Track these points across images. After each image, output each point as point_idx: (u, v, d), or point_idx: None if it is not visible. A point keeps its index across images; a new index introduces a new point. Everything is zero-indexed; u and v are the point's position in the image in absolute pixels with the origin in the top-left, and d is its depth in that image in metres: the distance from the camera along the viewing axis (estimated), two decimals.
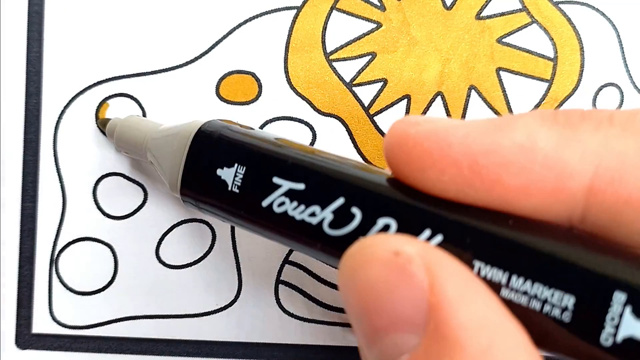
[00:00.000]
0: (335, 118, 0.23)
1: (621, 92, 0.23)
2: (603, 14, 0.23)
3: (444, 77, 0.23)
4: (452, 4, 0.23)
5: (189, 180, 0.18)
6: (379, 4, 0.23)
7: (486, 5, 0.23)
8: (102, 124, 0.22)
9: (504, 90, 0.23)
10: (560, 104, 0.23)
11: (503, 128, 0.12)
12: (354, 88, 0.23)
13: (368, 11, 0.23)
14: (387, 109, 0.23)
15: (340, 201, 0.14)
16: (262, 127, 0.23)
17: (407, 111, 0.23)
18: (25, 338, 0.23)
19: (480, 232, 0.12)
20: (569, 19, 0.23)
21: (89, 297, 0.23)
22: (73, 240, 0.23)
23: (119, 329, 0.23)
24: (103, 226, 0.23)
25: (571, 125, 0.12)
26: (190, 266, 0.23)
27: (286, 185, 0.15)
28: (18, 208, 0.23)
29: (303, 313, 0.23)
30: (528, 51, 0.23)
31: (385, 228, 0.13)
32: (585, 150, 0.12)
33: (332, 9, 0.23)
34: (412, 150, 0.13)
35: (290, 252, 0.23)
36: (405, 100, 0.23)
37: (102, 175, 0.23)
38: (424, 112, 0.23)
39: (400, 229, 0.13)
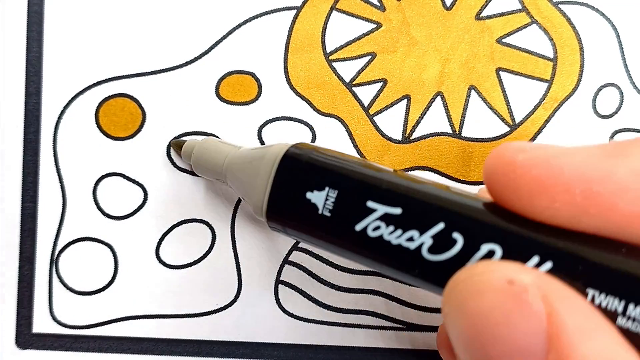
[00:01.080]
0: (335, 118, 0.23)
1: (621, 92, 0.23)
2: (603, 14, 0.23)
3: (444, 77, 0.23)
4: (452, 4, 0.23)
5: (275, 204, 0.17)
6: (378, 4, 0.23)
7: (486, 6, 0.23)
8: (176, 146, 0.22)
9: (503, 91, 0.23)
10: (560, 104, 0.23)
11: (617, 154, 0.12)
12: (353, 88, 0.23)
13: (368, 11, 0.23)
14: (387, 109, 0.23)
15: (440, 226, 0.14)
16: (262, 127, 0.23)
17: (407, 111, 0.23)
18: (26, 338, 0.23)
19: (592, 260, 0.12)
20: (568, 19, 0.23)
21: (89, 297, 0.23)
22: (73, 240, 0.23)
23: (119, 328, 0.23)
24: (103, 226, 0.23)
25: None
26: (191, 266, 0.23)
27: (381, 209, 0.15)
28: (18, 208, 0.23)
29: (303, 313, 0.23)
30: (528, 51, 0.23)
31: (490, 254, 0.13)
32: None
33: (332, 9, 0.23)
34: (519, 177, 0.13)
35: (290, 252, 0.23)
36: (405, 100, 0.23)
37: (102, 176, 0.23)
38: (424, 113, 0.23)
39: (506, 256, 0.13)
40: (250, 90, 0.23)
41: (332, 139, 0.23)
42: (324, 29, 0.23)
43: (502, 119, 0.23)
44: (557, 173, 0.12)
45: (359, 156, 0.23)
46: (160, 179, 0.23)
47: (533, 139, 0.23)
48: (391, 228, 0.15)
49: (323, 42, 0.23)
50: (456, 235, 0.14)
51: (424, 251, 0.14)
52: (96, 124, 0.23)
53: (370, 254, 0.16)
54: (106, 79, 0.23)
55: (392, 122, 0.23)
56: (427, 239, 0.14)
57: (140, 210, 0.23)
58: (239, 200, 0.23)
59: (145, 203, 0.23)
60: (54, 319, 0.23)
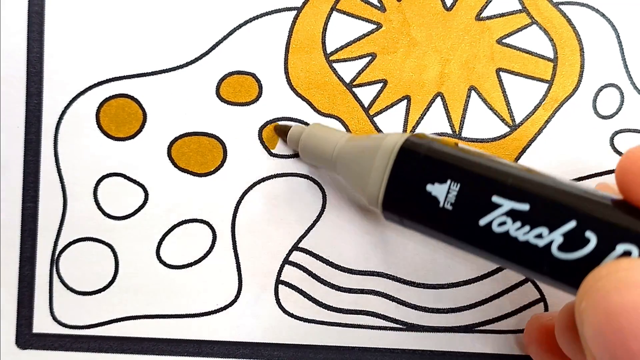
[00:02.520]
0: (335, 119, 0.23)
1: (621, 93, 0.23)
2: (603, 15, 0.23)
3: (444, 77, 0.23)
4: (452, 5, 0.23)
5: (392, 195, 0.17)
6: (379, 5, 0.23)
7: (486, 6, 0.23)
8: (281, 131, 0.22)
9: (504, 91, 0.23)
10: (561, 105, 0.23)
11: None
12: (354, 89, 0.23)
13: (368, 12, 0.23)
14: (387, 110, 0.23)
15: (571, 224, 0.14)
16: (262, 127, 0.23)
17: (407, 112, 0.23)
18: (26, 338, 0.23)
19: None
20: (568, 20, 0.23)
21: (89, 297, 0.23)
22: (74, 241, 0.23)
23: (120, 328, 0.23)
24: (104, 226, 0.23)
25: None
26: (191, 266, 0.23)
27: (508, 204, 0.15)
28: (19, 208, 0.23)
29: (303, 313, 0.23)
30: (528, 52, 0.23)
31: (626, 255, 0.13)
32: None
33: (332, 9, 0.23)
34: None
35: (290, 252, 0.23)
36: (405, 100, 0.23)
37: (103, 176, 0.23)
38: (424, 113, 0.23)
39: None
40: (250, 91, 0.23)
41: None
42: (325, 29, 0.23)
43: (502, 120, 0.23)
44: None
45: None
46: (161, 179, 0.23)
47: (533, 139, 0.23)
48: (518, 224, 0.14)
49: (323, 43, 0.23)
50: (589, 234, 0.13)
51: (554, 249, 0.14)
52: (97, 124, 0.23)
53: (494, 250, 0.15)
54: (107, 80, 0.23)
55: (392, 123, 0.23)
56: (557, 237, 0.14)
57: (141, 210, 0.23)
58: (240, 201, 0.23)
59: (146, 203, 0.23)
60: (54, 319, 0.23)
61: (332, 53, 0.23)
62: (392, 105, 0.23)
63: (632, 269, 0.12)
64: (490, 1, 0.23)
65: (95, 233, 0.23)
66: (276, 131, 0.22)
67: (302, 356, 0.23)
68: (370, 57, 0.23)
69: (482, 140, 0.23)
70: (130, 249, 0.23)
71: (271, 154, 0.23)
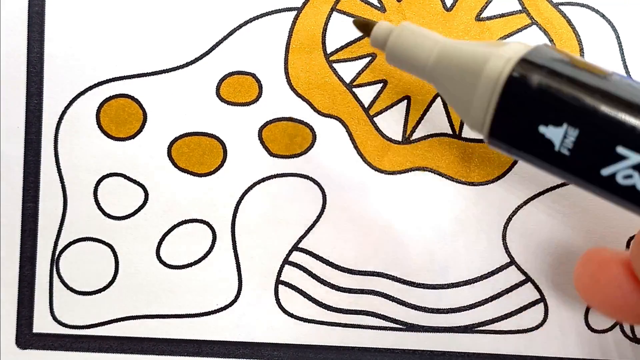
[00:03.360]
0: (335, 119, 0.23)
1: None
2: (603, 15, 0.23)
3: None
4: (452, 5, 0.23)
5: (500, 129, 0.15)
6: (379, 5, 0.23)
7: (486, 7, 0.23)
8: (362, 26, 0.20)
9: None
10: None
11: None
12: (354, 89, 0.23)
13: (368, 12, 0.23)
14: (387, 110, 0.23)
15: None
16: (262, 127, 0.23)
17: (407, 112, 0.23)
18: (26, 338, 0.23)
19: None
20: (568, 20, 0.23)
21: (89, 296, 0.23)
22: (74, 240, 0.23)
23: (120, 328, 0.23)
24: (104, 226, 0.23)
25: None
26: (191, 266, 0.23)
27: (636, 158, 0.13)
28: (19, 208, 0.23)
29: (303, 313, 0.23)
30: None
31: None
32: None
33: (332, 10, 0.23)
34: None
35: (290, 252, 0.23)
36: (405, 101, 0.23)
37: (103, 176, 0.23)
38: (424, 113, 0.23)
39: None
40: (250, 91, 0.23)
41: (333, 140, 0.23)
42: (325, 29, 0.23)
43: None
44: None
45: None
46: (161, 179, 0.23)
47: None
48: None
49: (323, 43, 0.23)
50: None
51: None
52: (97, 124, 0.23)
53: (618, 201, 0.14)
54: (107, 80, 0.23)
55: (392, 123, 0.23)
56: None
57: (141, 210, 0.23)
58: (240, 201, 0.23)
59: (146, 203, 0.23)
60: (55, 318, 0.23)
61: (332, 53, 0.23)
62: (392, 105, 0.23)
63: None
64: (490, 2, 0.23)
65: (96, 233, 0.23)
66: (356, 25, 0.20)
67: (302, 356, 0.23)
68: (370, 58, 0.23)
69: (482, 141, 0.23)
70: (131, 249, 0.23)
71: (271, 154, 0.23)
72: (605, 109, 0.14)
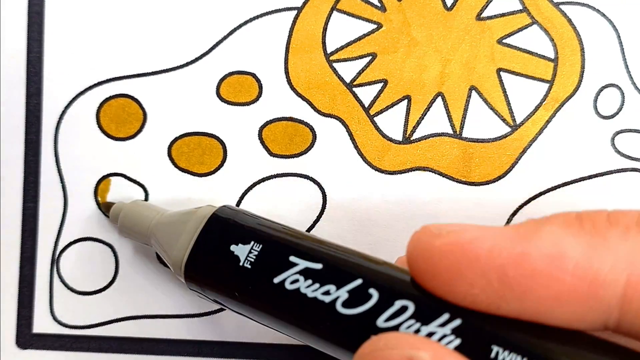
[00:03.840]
0: (336, 119, 0.23)
1: (622, 93, 0.23)
2: (603, 15, 0.22)
3: (445, 77, 0.23)
4: (453, 5, 0.23)
5: (197, 256, 0.18)
6: (379, 5, 0.23)
7: (486, 6, 0.23)
8: (105, 208, 0.23)
9: (504, 91, 0.23)
10: (561, 105, 0.23)
11: (529, 237, 0.12)
12: (354, 89, 0.23)
13: (368, 12, 0.23)
14: (387, 110, 0.23)
15: (357, 282, 0.15)
16: (262, 127, 0.23)
17: (408, 112, 0.23)
18: (26, 338, 0.23)
19: (499, 321, 0.13)
20: (569, 20, 0.23)
21: (89, 296, 0.23)
22: (74, 240, 0.23)
23: (120, 328, 0.23)
24: (104, 226, 0.23)
25: (598, 232, 0.12)
26: None
27: (303, 264, 0.16)
28: (19, 208, 0.23)
29: None
30: (528, 52, 0.23)
31: (402, 310, 0.14)
32: (617, 259, 0.12)
33: (332, 9, 0.23)
34: (438, 263, 0.13)
35: None
36: (406, 100, 0.23)
37: (103, 176, 0.23)
38: (425, 113, 0.23)
39: (418, 312, 0.14)
40: (250, 91, 0.23)
41: (333, 140, 0.23)
42: (325, 29, 0.23)
43: (503, 120, 0.23)
44: (473, 259, 0.12)
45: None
46: (161, 179, 0.23)
47: (534, 139, 0.23)
48: (309, 282, 0.15)
49: (324, 43, 0.23)
50: (372, 291, 0.14)
51: (338, 304, 0.15)
52: (97, 124, 0.23)
53: (283, 306, 0.16)
54: (107, 80, 0.23)
55: (392, 123, 0.23)
56: (343, 293, 0.15)
57: None
58: (240, 201, 0.23)
59: None
60: (55, 319, 0.23)
61: (333, 53, 0.23)
62: (392, 105, 0.23)
63: (388, 349, 0.12)
64: (491, 1, 0.23)
65: (96, 233, 0.23)
66: (101, 209, 0.23)
67: (302, 356, 0.23)
68: (370, 57, 0.23)
69: (482, 141, 0.23)
70: (131, 249, 0.23)
71: (271, 154, 0.23)
72: (283, 229, 0.18)
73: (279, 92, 0.23)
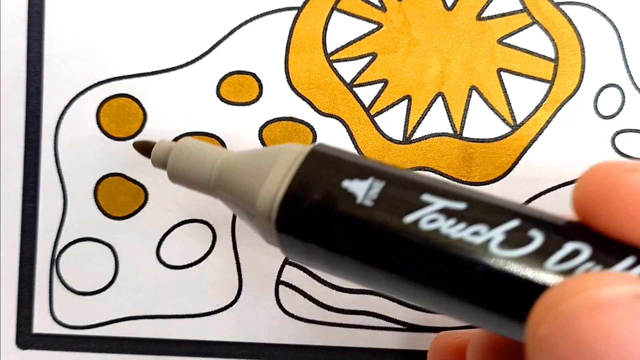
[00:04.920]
0: (336, 119, 0.23)
1: (622, 93, 0.23)
2: (604, 15, 0.22)
3: (445, 77, 0.23)
4: (453, 5, 0.23)
5: (296, 196, 0.14)
6: (379, 5, 0.23)
7: (487, 6, 0.23)
8: (142, 148, 0.19)
9: (505, 91, 0.23)
10: (562, 105, 0.23)
11: None
12: (354, 88, 0.23)
13: (369, 12, 0.23)
14: (387, 110, 0.23)
15: (514, 222, 0.12)
16: (262, 127, 0.23)
17: (408, 112, 0.23)
18: (26, 338, 0.23)
19: None
20: (569, 20, 0.23)
21: (89, 297, 0.23)
22: (74, 241, 0.23)
23: (120, 329, 0.23)
24: (104, 226, 0.23)
25: None
26: (191, 266, 0.23)
27: (441, 202, 0.13)
28: (19, 208, 0.23)
29: (303, 314, 0.23)
30: (529, 52, 0.23)
31: (575, 253, 0.12)
32: None
33: (332, 9, 0.23)
34: (633, 202, 0.11)
35: None
36: (406, 100, 0.23)
37: (103, 176, 0.23)
38: (425, 113, 0.23)
39: (595, 255, 0.11)
40: (251, 91, 0.23)
41: (333, 140, 0.23)
42: (325, 29, 0.23)
43: (503, 120, 0.23)
44: None
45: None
46: (161, 179, 0.23)
47: (534, 139, 0.23)
48: (452, 221, 0.12)
49: (324, 43, 0.23)
50: (534, 233, 0.12)
51: (493, 246, 0.12)
52: (97, 124, 0.23)
53: (417, 251, 0.13)
54: (107, 79, 0.23)
55: (393, 123, 0.23)
56: (497, 234, 0.12)
57: (141, 210, 0.23)
58: None
59: (146, 203, 0.23)
60: (54, 319, 0.23)
61: (333, 53, 0.23)
62: (392, 105, 0.23)
63: (602, 285, 0.10)
64: (491, 1, 0.23)
65: (95, 233, 0.23)
66: (136, 148, 0.19)
67: (303, 357, 0.23)
68: (370, 57, 0.23)
69: (483, 140, 0.23)
70: (130, 249, 0.23)
71: None
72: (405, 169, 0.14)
73: (279, 92, 0.23)
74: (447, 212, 0.13)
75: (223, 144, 0.23)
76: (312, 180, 0.14)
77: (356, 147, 0.23)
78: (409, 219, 0.13)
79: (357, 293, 0.23)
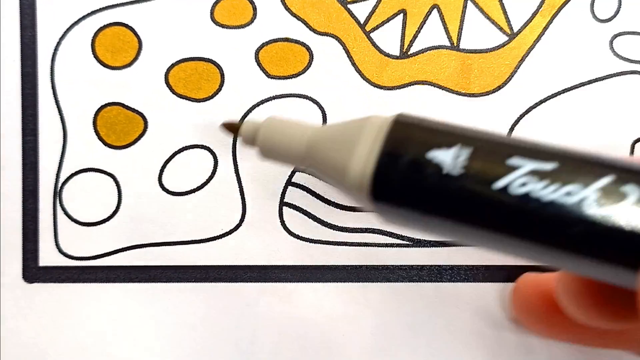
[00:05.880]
0: (332, 37, 0.23)
1: None
2: None
3: None
4: None
5: (386, 167, 0.14)
6: None
7: None
8: (231, 128, 0.19)
9: (500, 0, 0.22)
10: (558, 11, 0.22)
11: None
12: (348, 5, 0.23)
13: None
14: (383, 25, 0.23)
15: (608, 179, 0.12)
16: (258, 49, 0.23)
17: (404, 26, 0.23)
18: (33, 272, 0.23)
19: None
20: None
21: (94, 227, 0.23)
22: (76, 172, 0.23)
23: (126, 258, 0.23)
24: (105, 156, 0.23)
25: None
26: (194, 192, 0.23)
27: (530, 165, 0.13)
28: (19, 142, 0.23)
29: (308, 234, 0.23)
30: None
31: None
32: None
33: None
34: None
35: (293, 173, 0.23)
36: (401, 15, 0.23)
37: (101, 106, 0.23)
38: (421, 26, 0.23)
39: None
40: (245, 13, 0.23)
41: (330, 59, 0.23)
42: None
43: (500, 29, 0.22)
44: None
45: None
46: (160, 106, 0.23)
47: (532, 47, 0.22)
48: (543, 183, 0.13)
49: None
50: (628, 188, 0.12)
51: (587, 205, 0.12)
52: (93, 54, 0.23)
53: (509, 216, 0.13)
54: (100, 8, 0.23)
55: (389, 38, 0.23)
56: (590, 193, 0.12)
57: (141, 138, 0.23)
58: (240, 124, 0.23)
59: (146, 131, 0.23)
60: (60, 251, 0.23)
61: None
62: (388, 20, 0.23)
63: None
64: None
65: (97, 163, 0.23)
66: (224, 129, 0.20)
67: (310, 277, 0.23)
68: None
69: (480, 51, 0.23)
70: (133, 178, 0.23)
71: (269, 76, 0.23)
72: (491, 131, 0.14)
73: (274, 13, 0.23)
74: (537, 174, 0.13)
75: (220, 68, 0.23)
76: (398, 153, 0.14)
77: (353, 64, 0.23)
78: (499, 185, 0.13)
79: (362, 210, 0.23)
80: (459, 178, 0.13)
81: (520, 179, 0.13)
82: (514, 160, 0.13)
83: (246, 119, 0.19)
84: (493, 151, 0.13)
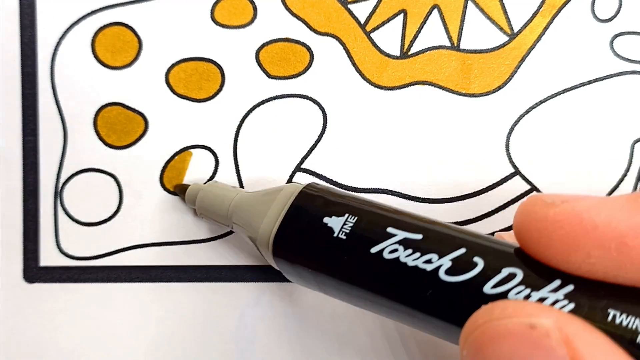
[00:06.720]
0: (332, 37, 0.23)
1: None
2: None
3: None
4: None
5: (287, 229, 0.18)
6: None
7: None
8: (180, 190, 0.22)
9: (500, 0, 0.22)
10: (559, 11, 0.22)
11: None
12: (349, 5, 0.23)
13: None
14: (383, 25, 0.23)
15: (461, 250, 0.14)
16: (259, 50, 0.23)
17: (404, 26, 0.23)
18: (33, 272, 0.23)
19: (614, 288, 0.12)
20: None
21: (95, 227, 0.23)
22: (76, 172, 0.23)
23: (127, 257, 0.23)
24: (105, 156, 0.23)
25: None
26: None
27: (401, 234, 0.15)
28: (19, 142, 0.23)
29: None
30: None
31: (510, 277, 0.13)
32: None
33: None
34: (552, 233, 0.13)
35: (294, 173, 0.23)
36: (402, 15, 0.23)
37: (102, 106, 0.23)
38: (421, 27, 0.23)
39: (527, 278, 0.13)
40: (245, 13, 0.23)
41: (330, 59, 0.23)
42: None
43: (501, 29, 0.23)
44: (590, 229, 0.12)
45: None
46: (160, 106, 0.23)
47: (532, 47, 0.22)
48: (409, 251, 0.15)
49: None
50: (477, 259, 0.14)
51: (441, 272, 0.14)
52: (93, 54, 0.23)
53: (380, 277, 0.15)
54: (100, 8, 0.23)
55: (389, 38, 0.23)
56: (446, 262, 0.14)
57: (142, 138, 0.23)
58: (240, 124, 0.23)
59: (147, 131, 0.23)
60: (61, 251, 0.23)
61: None
62: (388, 20, 0.23)
63: (507, 317, 0.11)
64: None
65: (98, 163, 0.23)
66: (176, 190, 0.23)
67: None
68: None
69: (481, 51, 0.23)
70: (134, 178, 0.23)
71: (269, 76, 0.23)
72: (378, 204, 0.17)
73: (274, 13, 0.23)
74: (405, 243, 0.15)
75: (221, 68, 0.23)
76: (298, 218, 0.18)
77: (354, 64, 0.23)
78: (375, 249, 0.15)
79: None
80: (345, 241, 0.16)
81: (392, 246, 0.15)
82: (389, 230, 0.15)
83: (192, 184, 0.22)
84: (373, 221, 0.16)
